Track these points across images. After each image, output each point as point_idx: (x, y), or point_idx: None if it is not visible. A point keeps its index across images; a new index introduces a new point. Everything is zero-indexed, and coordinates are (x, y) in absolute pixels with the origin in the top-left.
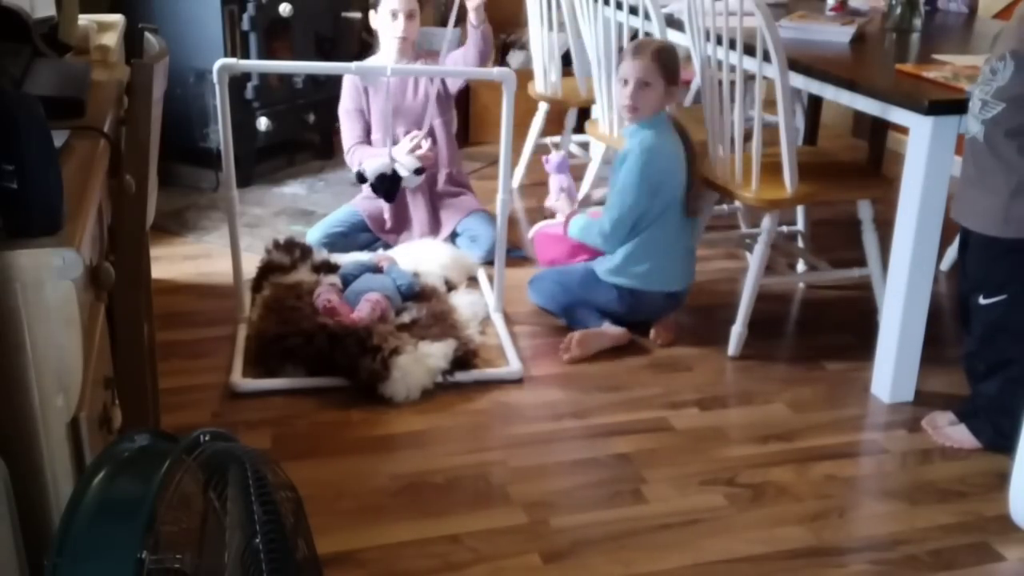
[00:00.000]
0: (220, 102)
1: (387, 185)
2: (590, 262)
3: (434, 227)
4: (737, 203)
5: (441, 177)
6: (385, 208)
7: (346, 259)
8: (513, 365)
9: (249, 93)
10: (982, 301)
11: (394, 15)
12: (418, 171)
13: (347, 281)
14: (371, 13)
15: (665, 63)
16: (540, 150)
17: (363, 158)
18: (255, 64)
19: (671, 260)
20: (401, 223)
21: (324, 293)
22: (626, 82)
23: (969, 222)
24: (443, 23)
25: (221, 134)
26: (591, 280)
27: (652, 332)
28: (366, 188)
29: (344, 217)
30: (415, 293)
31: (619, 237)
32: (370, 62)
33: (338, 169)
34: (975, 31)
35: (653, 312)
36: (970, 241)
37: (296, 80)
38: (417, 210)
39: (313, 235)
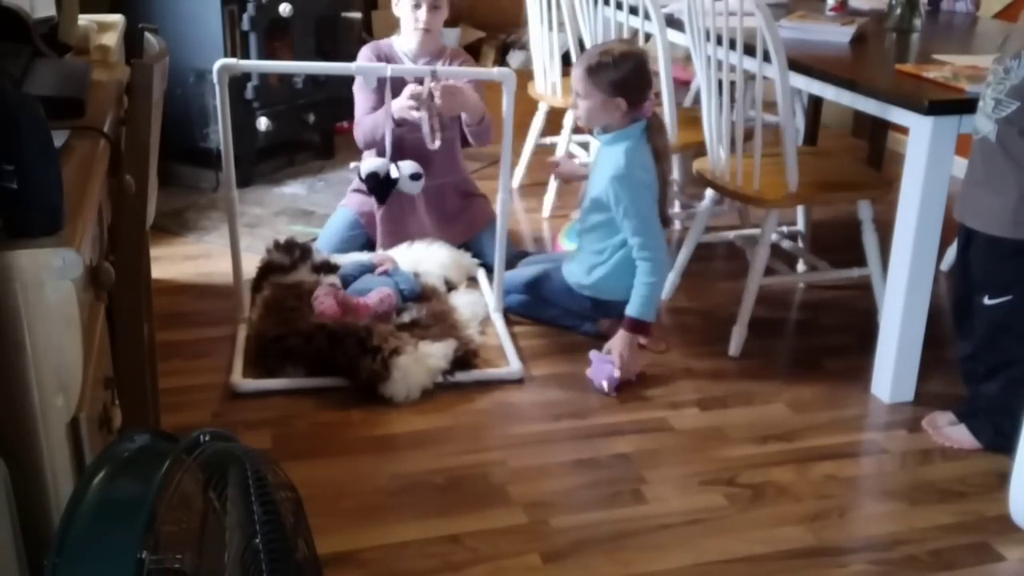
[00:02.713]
0: (220, 102)
1: (379, 186)
2: (559, 264)
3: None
4: (737, 203)
5: (449, 190)
6: (379, 221)
7: (346, 259)
8: (513, 365)
9: (249, 93)
10: (987, 302)
11: (416, 4)
12: (415, 176)
13: (347, 282)
14: None
15: (604, 78)
16: (540, 150)
17: (366, 132)
18: (255, 64)
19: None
20: (399, 233)
21: (320, 296)
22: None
23: (975, 222)
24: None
25: (221, 134)
26: (567, 290)
27: (648, 343)
28: (357, 182)
29: (344, 232)
30: (417, 296)
31: (662, 253)
32: (388, 43)
33: (338, 169)
34: (975, 31)
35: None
36: (975, 241)
37: (296, 80)
38: (417, 223)
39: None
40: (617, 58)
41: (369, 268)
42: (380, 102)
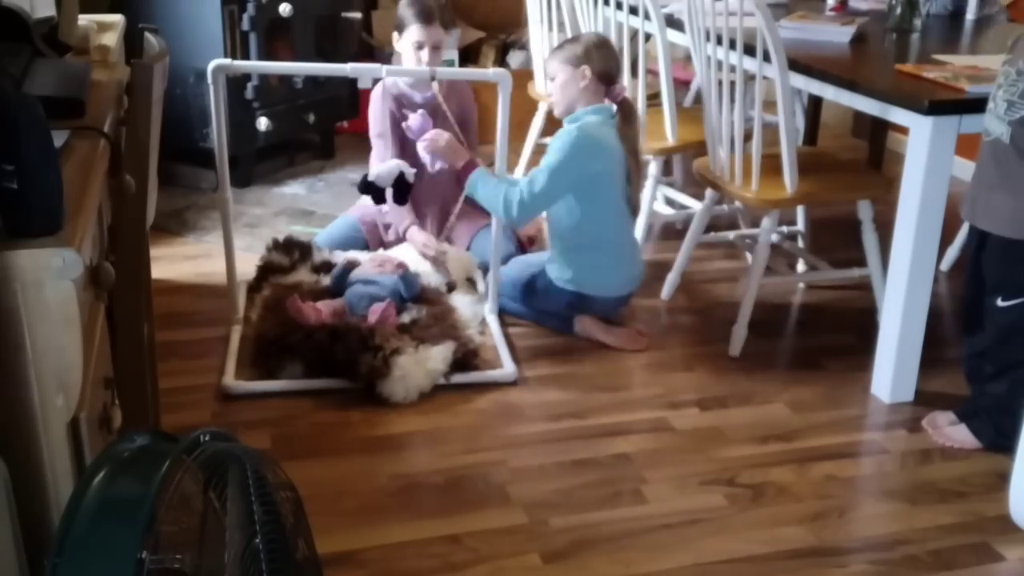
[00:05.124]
0: (215, 103)
1: (374, 190)
2: (544, 265)
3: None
4: (737, 203)
5: (449, 183)
6: (384, 219)
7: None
8: (507, 367)
9: (249, 93)
10: (1000, 303)
11: (419, 46)
12: (400, 183)
13: (341, 285)
14: (394, 35)
15: (568, 51)
16: (540, 150)
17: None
18: (250, 65)
19: (623, 262)
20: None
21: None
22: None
23: (989, 225)
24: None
25: (216, 135)
26: (546, 284)
27: (623, 341)
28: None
29: (345, 232)
30: (417, 296)
31: (531, 214)
32: (393, 82)
33: (338, 169)
34: (975, 31)
35: (603, 311)
36: (989, 244)
37: (296, 80)
38: (420, 222)
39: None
40: (581, 36)
41: (354, 265)
42: (395, 154)
